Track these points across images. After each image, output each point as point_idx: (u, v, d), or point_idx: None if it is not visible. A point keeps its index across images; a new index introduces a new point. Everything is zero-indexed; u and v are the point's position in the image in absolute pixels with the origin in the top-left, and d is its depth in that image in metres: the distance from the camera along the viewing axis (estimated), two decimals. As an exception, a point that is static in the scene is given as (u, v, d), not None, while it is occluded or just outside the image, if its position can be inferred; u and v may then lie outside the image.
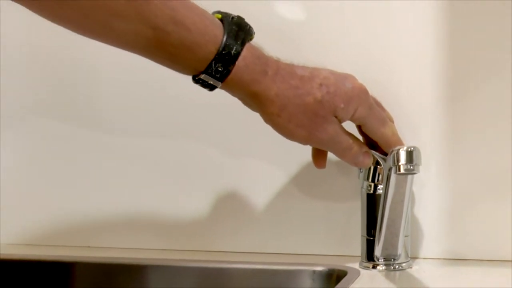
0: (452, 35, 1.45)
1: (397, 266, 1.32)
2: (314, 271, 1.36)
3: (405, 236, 1.31)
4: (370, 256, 1.32)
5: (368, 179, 1.32)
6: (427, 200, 1.40)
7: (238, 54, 1.28)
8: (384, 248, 1.30)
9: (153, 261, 1.48)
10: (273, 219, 1.48)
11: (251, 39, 1.31)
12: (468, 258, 1.38)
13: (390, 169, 1.24)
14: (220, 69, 1.28)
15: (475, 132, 1.41)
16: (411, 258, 1.34)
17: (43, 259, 1.51)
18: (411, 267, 1.33)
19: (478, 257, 1.38)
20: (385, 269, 1.31)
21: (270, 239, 1.48)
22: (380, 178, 1.31)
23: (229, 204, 1.51)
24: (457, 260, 1.39)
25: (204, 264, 1.47)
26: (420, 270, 1.34)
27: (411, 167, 1.23)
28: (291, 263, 1.41)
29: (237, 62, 1.28)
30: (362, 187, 1.34)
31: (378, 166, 1.31)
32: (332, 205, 1.44)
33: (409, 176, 1.24)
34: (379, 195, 1.29)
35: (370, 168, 1.32)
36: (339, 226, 1.44)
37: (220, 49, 1.26)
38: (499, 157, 1.41)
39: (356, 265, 1.34)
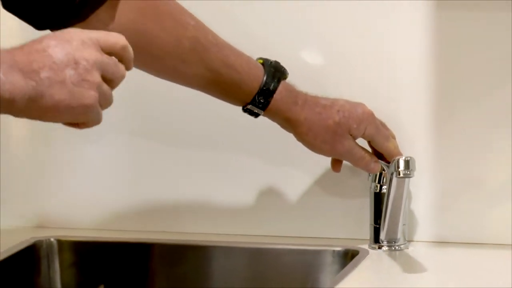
0: (440, 68, 1.51)
1: (397, 247, 1.41)
2: (334, 251, 1.46)
3: (403, 225, 1.41)
4: (376, 239, 1.42)
5: (375, 181, 1.43)
6: (420, 197, 1.49)
7: (275, 89, 1.39)
8: (387, 234, 1.40)
9: (213, 242, 1.56)
10: (301, 211, 1.55)
11: (285, 78, 1.43)
12: (451, 241, 1.47)
13: (392, 174, 1.35)
14: (262, 101, 1.40)
15: (457, 145, 1.48)
16: (407, 241, 1.44)
17: (129, 241, 1.58)
18: (407, 248, 1.43)
19: (459, 241, 1.46)
20: (388, 249, 1.42)
21: (300, 226, 1.55)
22: (384, 180, 1.41)
23: (269, 199, 1.59)
24: (442, 243, 1.48)
25: (251, 245, 1.55)
26: (414, 250, 1.43)
27: (408, 172, 1.34)
28: (317, 244, 1.50)
29: (274, 95, 1.40)
30: (370, 187, 1.44)
31: (383, 171, 1.41)
32: (348, 200, 1.52)
33: (406, 179, 1.34)
34: (384, 193, 1.39)
35: (379, 175, 1.45)
36: (352, 216, 1.51)
37: (262, 85, 1.39)
38: (475, 165, 1.48)
39: (365, 246, 1.43)
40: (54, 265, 1.53)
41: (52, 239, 1.53)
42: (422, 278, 1.36)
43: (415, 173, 1.35)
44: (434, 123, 1.49)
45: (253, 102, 1.39)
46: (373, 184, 1.42)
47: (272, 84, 1.39)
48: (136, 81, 1.48)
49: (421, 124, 1.49)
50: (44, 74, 0.95)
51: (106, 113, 1.59)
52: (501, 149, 1.47)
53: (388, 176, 1.37)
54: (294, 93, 1.42)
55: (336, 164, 1.44)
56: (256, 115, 1.40)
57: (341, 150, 1.41)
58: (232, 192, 1.60)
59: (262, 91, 1.39)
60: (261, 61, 1.43)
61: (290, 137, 1.44)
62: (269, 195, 1.59)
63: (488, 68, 1.49)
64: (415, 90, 1.51)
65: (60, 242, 1.54)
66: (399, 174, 1.33)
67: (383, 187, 1.40)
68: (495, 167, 1.47)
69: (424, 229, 1.49)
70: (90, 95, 0.97)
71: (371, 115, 1.41)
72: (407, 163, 1.33)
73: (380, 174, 1.41)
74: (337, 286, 1.27)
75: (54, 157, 1.67)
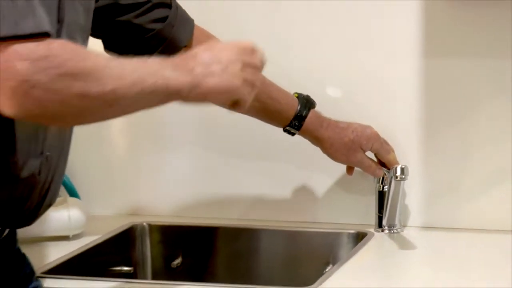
0: (427, 101, 1.60)
1: (395, 231, 1.56)
2: (349, 233, 1.60)
3: (399, 214, 1.56)
4: (380, 225, 1.56)
5: (379, 182, 1.57)
6: (412, 194, 1.61)
7: (306, 115, 1.55)
8: (387, 221, 1.54)
9: (260, 226, 1.68)
10: (325, 203, 1.68)
11: (314, 107, 1.57)
12: (434, 227, 1.60)
13: (391, 178, 1.52)
14: (296, 124, 1.53)
15: (440, 156, 1.60)
16: (402, 226, 1.59)
17: (199, 225, 1.70)
18: (403, 231, 1.57)
19: (441, 226, 1.60)
20: (388, 232, 1.56)
21: (324, 214, 1.67)
22: (385, 182, 1.55)
23: (301, 194, 1.70)
24: (428, 227, 1.61)
25: (288, 229, 1.68)
26: (408, 233, 1.58)
27: (403, 177, 1.51)
28: (336, 228, 1.63)
29: (305, 120, 1.53)
30: (375, 187, 1.58)
31: (385, 176, 1.55)
32: (359, 196, 1.65)
33: (402, 182, 1.50)
34: (385, 191, 1.55)
35: (383, 176, 1.57)
36: (362, 208, 1.64)
37: (296, 112, 1.54)
38: (454, 171, 1.59)
39: (372, 230, 1.57)
40: (146, 242, 1.65)
41: (144, 224, 1.66)
42: (413, 253, 1.52)
43: (408, 177, 1.52)
44: (422, 140, 1.62)
45: (290, 124, 1.54)
46: (377, 185, 1.57)
47: (304, 111, 1.54)
48: (204, 110, 1.59)
49: (413, 141, 1.62)
50: (197, 70, 1.08)
51: (178, 130, 1.72)
52: (474, 159, 1.58)
53: (388, 179, 1.52)
54: (320, 118, 1.56)
55: (350, 169, 1.59)
56: (292, 134, 1.54)
57: (354, 160, 1.57)
58: (274, 188, 1.71)
59: (297, 117, 1.54)
60: (296, 94, 1.56)
61: (317, 149, 1.59)
62: (301, 192, 1.71)
63: (463, 100, 1.59)
64: (408, 116, 1.63)
65: (150, 226, 1.67)
66: (397, 178, 1.49)
67: (384, 187, 1.55)
68: (470, 173, 1.58)
69: (415, 218, 1.62)
70: (234, 80, 1.10)
71: (376, 135, 1.56)
72: (402, 170, 1.49)
73: (383, 177, 1.55)
74: (351, 259, 1.42)
75: (145, 162, 1.77)
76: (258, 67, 1.15)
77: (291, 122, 1.54)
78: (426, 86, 1.61)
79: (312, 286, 1.27)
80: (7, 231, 1.19)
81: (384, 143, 1.58)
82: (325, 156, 1.59)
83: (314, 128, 1.56)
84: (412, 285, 1.36)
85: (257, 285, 1.46)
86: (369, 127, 1.57)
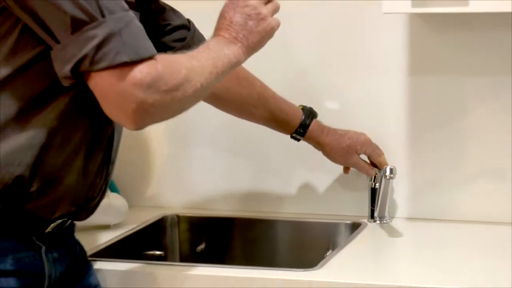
0: (412, 111, 1.63)
1: (384, 221, 1.59)
2: (346, 223, 1.63)
3: (388, 207, 1.57)
4: (372, 216, 1.60)
5: (371, 180, 1.60)
6: (399, 190, 1.64)
7: (309, 124, 1.58)
8: (378, 213, 1.57)
9: (271, 217, 1.71)
10: (326, 198, 1.70)
11: (316, 117, 1.60)
12: (417, 218, 1.63)
13: (382, 177, 1.54)
14: (301, 131, 1.59)
15: (424, 159, 1.63)
16: (391, 217, 1.62)
17: (219, 216, 1.73)
18: (391, 222, 1.60)
19: (423, 217, 1.63)
20: (379, 223, 1.59)
21: (325, 207, 1.69)
22: (377, 180, 1.59)
23: (306, 191, 1.72)
24: (412, 218, 1.64)
25: (294, 219, 1.71)
26: (396, 223, 1.61)
27: (392, 176, 1.53)
28: (335, 219, 1.65)
29: (309, 128, 1.58)
30: (368, 184, 1.61)
31: (376, 175, 1.59)
32: (354, 192, 1.68)
33: (391, 180, 1.53)
34: (377, 188, 1.58)
35: (375, 176, 1.60)
36: (357, 202, 1.66)
37: (301, 122, 1.58)
38: (435, 171, 1.62)
39: (365, 221, 1.60)
40: (175, 231, 1.68)
41: (173, 215, 1.69)
42: (400, 240, 1.55)
43: (396, 176, 1.55)
44: (408, 145, 1.65)
45: (296, 132, 1.58)
46: (370, 183, 1.60)
47: (308, 121, 1.57)
48: (229, 117, 1.65)
49: (400, 145, 1.65)
50: (240, 36, 1.16)
51: (203, 135, 1.76)
52: (452, 161, 1.60)
53: (379, 178, 1.55)
54: (321, 126, 1.59)
55: (347, 169, 1.63)
56: (298, 140, 1.59)
57: (351, 162, 1.61)
58: (283, 185, 1.74)
59: (301, 125, 1.57)
60: (301, 106, 1.59)
61: (319, 153, 1.63)
62: (306, 188, 1.73)
63: (443, 112, 1.61)
64: (396, 124, 1.65)
65: (178, 217, 1.70)
66: (386, 177, 1.52)
67: (376, 184, 1.58)
68: (448, 173, 1.61)
69: (401, 210, 1.65)
70: (269, 24, 1.18)
71: (369, 141, 1.60)
72: (391, 170, 1.53)
73: (374, 176, 1.59)
74: (348, 245, 1.46)
75: (174, 162, 1.78)
76: (278, 5, 1.21)
77: (296, 129, 1.57)
78: (411, 100, 1.64)
79: (315, 268, 1.31)
80: (69, 221, 1.22)
81: (375, 147, 1.61)
82: (325, 158, 1.63)
83: (316, 135, 1.59)
84: (399, 266, 1.43)
85: (268, 267, 1.43)
86: (363, 134, 1.61)
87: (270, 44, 1.30)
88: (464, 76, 1.60)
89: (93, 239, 1.51)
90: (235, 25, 1.16)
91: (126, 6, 1.07)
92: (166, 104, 1.07)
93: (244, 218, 1.71)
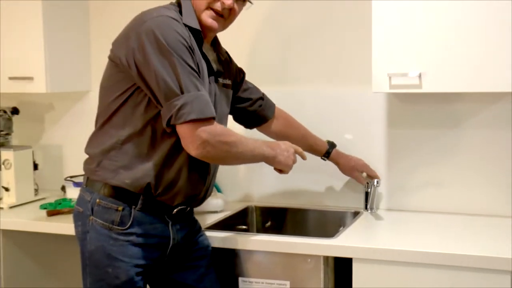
0: (389, 141, 1.61)
1: (373, 211, 1.61)
2: (350, 212, 1.64)
3: (375, 202, 1.60)
4: (366, 208, 1.61)
5: (366, 187, 1.61)
6: (384, 193, 1.65)
7: (331, 152, 1.57)
8: (370, 206, 1.60)
9: (303, 206, 1.68)
10: (339, 196, 1.69)
11: (335, 147, 1.56)
12: (395, 209, 1.63)
13: (372, 185, 1.58)
14: (326, 156, 1.57)
15: (401, 172, 1.61)
16: (377, 209, 1.62)
17: (277, 206, 1.73)
18: (377, 211, 1.61)
19: (398, 209, 1.63)
20: (370, 212, 1.60)
21: (337, 201, 1.68)
22: (369, 187, 1.60)
23: (327, 191, 1.68)
24: (390, 209, 1.64)
25: (317, 208, 1.68)
26: (380, 212, 1.61)
27: (378, 185, 1.58)
28: (344, 209, 1.65)
29: (331, 154, 1.57)
30: (364, 190, 1.61)
31: (368, 184, 1.60)
32: (356, 194, 1.66)
33: (377, 187, 1.58)
34: (369, 192, 1.60)
35: (366, 184, 1.59)
36: (357, 199, 1.65)
37: (327, 150, 1.56)
38: (408, 180, 1.61)
39: (362, 210, 1.61)
40: (253, 214, 1.71)
41: (253, 205, 1.72)
42: (383, 222, 1.55)
43: (381, 184, 1.59)
44: (387, 165, 1.64)
45: (323, 155, 1.57)
46: (365, 189, 1.62)
47: (331, 150, 1.57)
48: None
49: (382, 165, 1.64)
50: (277, 151, 1.23)
51: None
52: (416, 174, 1.60)
53: (371, 186, 1.59)
54: (339, 152, 1.58)
55: (352, 178, 1.58)
56: (324, 160, 1.57)
57: (354, 176, 1.61)
58: (313, 188, 1.69)
59: (327, 152, 1.57)
60: (327, 140, 1.57)
61: (336, 168, 1.59)
62: (327, 190, 1.71)
63: (411, 142, 1.61)
64: (379, 150, 1.63)
65: (255, 207, 1.73)
66: (374, 186, 1.58)
67: (369, 189, 1.60)
68: (413, 181, 1.61)
69: (383, 204, 1.65)
70: (288, 161, 1.25)
71: (365, 164, 1.60)
72: (377, 182, 1.59)
73: (367, 185, 1.61)
74: (352, 224, 1.48)
75: (253, 168, 1.66)
76: (296, 159, 1.26)
77: (324, 154, 1.58)
78: (389, 140, 1.64)
79: (333, 237, 1.35)
80: (188, 208, 1.28)
81: (369, 168, 1.61)
82: (339, 171, 1.62)
83: (335, 158, 1.58)
84: (383, 236, 1.47)
85: (305, 236, 1.45)
86: (361, 159, 1.60)
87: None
88: (414, 129, 1.60)
89: (208, 219, 1.56)
90: (279, 147, 1.24)
91: (199, 85, 1.11)
92: (218, 150, 1.13)
93: (292, 208, 1.71)
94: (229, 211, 1.63)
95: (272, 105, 1.51)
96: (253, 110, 1.47)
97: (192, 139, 1.10)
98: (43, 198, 1.81)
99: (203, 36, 1.20)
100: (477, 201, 1.53)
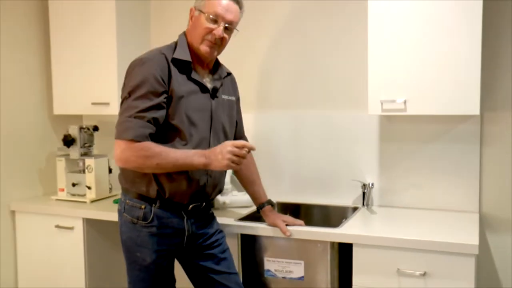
0: (382, 154, 1.58)
1: (370, 207, 1.61)
2: (351, 207, 1.64)
3: (371, 200, 1.60)
4: (363, 204, 1.61)
5: (363, 188, 1.60)
6: (376, 193, 1.64)
7: (264, 207, 1.33)
8: (366, 203, 1.59)
9: (311, 202, 1.65)
10: (343, 196, 1.67)
11: (272, 204, 1.35)
12: (385, 206, 1.63)
13: (367, 187, 1.58)
14: (261, 207, 1.33)
15: (391, 179, 1.60)
16: (372, 205, 1.62)
17: (292, 202, 1.72)
18: (372, 207, 1.61)
19: (388, 205, 1.63)
20: (367, 208, 1.60)
21: (341, 200, 1.64)
22: (366, 188, 1.60)
23: (333, 192, 1.66)
24: (382, 206, 1.63)
25: (322, 204, 1.66)
26: (374, 208, 1.60)
27: (372, 187, 1.59)
28: (346, 205, 1.65)
29: (264, 208, 1.32)
30: (361, 191, 1.60)
31: (365, 184, 1.59)
32: (355, 194, 1.66)
33: (372, 189, 1.58)
34: (365, 192, 1.60)
35: (364, 185, 1.57)
36: (358, 198, 1.65)
37: (263, 203, 1.34)
38: (397, 183, 1.59)
39: (360, 206, 1.61)
40: (276, 209, 1.53)
41: (275, 201, 1.50)
42: (376, 215, 1.51)
43: (374, 187, 1.59)
44: (380, 169, 1.62)
45: (259, 206, 1.37)
46: (362, 190, 1.62)
47: (266, 205, 1.37)
48: (301, 153, 1.53)
49: (375, 170, 1.62)
50: (210, 157, 1.05)
51: (281, 146, 1.55)
52: (401, 179, 1.59)
53: (367, 187, 1.60)
54: (272, 210, 1.36)
55: (276, 226, 1.27)
56: (258, 211, 1.35)
57: (276, 223, 1.30)
58: (321, 190, 1.68)
59: (261, 204, 1.37)
60: (268, 199, 1.36)
61: (343, 177, 1.57)
62: (333, 192, 1.68)
63: (398, 155, 1.58)
64: (373, 161, 1.62)
65: (277, 203, 1.67)
66: (370, 187, 1.59)
67: (365, 190, 1.61)
68: (399, 184, 1.60)
69: (376, 201, 1.65)
70: (223, 162, 1.05)
71: (288, 217, 1.34)
72: (372, 184, 1.59)
73: (364, 185, 1.60)
74: (353, 217, 1.47)
75: (269, 165, 1.65)
76: (243, 154, 1.06)
77: (259, 205, 1.38)
78: (381, 152, 1.63)
79: (338, 227, 1.35)
80: (204, 203, 1.21)
81: (290, 218, 1.35)
82: (344, 182, 1.59)
83: (266, 211, 1.37)
84: (377, 226, 1.43)
85: (315, 226, 1.39)
86: (286, 216, 1.37)
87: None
88: (400, 143, 1.59)
89: (240, 212, 1.56)
90: (212, 151, 1.07)
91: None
92: (138, 162, 1.06)
93: (304, 204, 1.71)
94: (254, 207, 1.56)
95: (243, 135, 1.41)
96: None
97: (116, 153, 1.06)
98: (115, 195, 1.85)
99: (200, 64, 1.15)
100: (450, 200, 1.54)
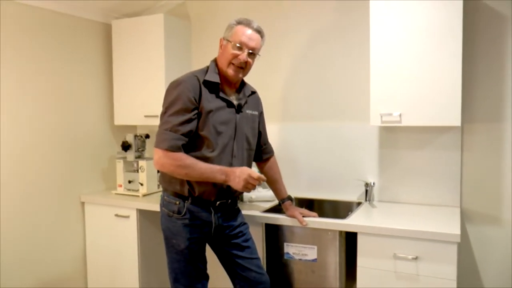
0: (381, 162, 1.58)
1: (371, 202, 1.61)
2: (356, 202, 1.65)
3: (372, 196, 1.60)
4: (366, 200, 1.62)
5: (365, 186, 1.62)
6: (376, 191, 1.65)
7: (284, 201, 1.36)
8: (368, 199, 1.60)
9: (321, 197, 1.66)
10: (349, 193, 1.67)
11: (291, 199, 1.37)
12: (384, 201, 1.65)
13: (370, 185, 1.58)
14: (282, 202, 1.36)
15: (385, 179, 1.60)
16: (373, 200, 1.62)
17: (307, 197, 1.69)
18: (373, 202, 1.62)
19: (387, 201, 1.64)
20: (368, 203, 1.60)
21: (347, 196, 1.65)
22: (368, 186, 1.61)
23: (341, 189, 1.66)
24: (381, 201, 1.65)
25: (331, 199, 1.67)
26: (375, 203, 1.60)
27: (373, 185, 1.58)
28: (352, 201, 1.65)
29: (285, 202, 1.34)
30: (364, 188, 1.61)
31: (368, 183, 1.61)
32: (359, 191, 1.67)
33: (373, 187, 1.58)
34: (368, 189, 1.61)
35: (366, 184, 1.58)
36: (360, 194, 1.67)
37: (283, 198, 1.37)
38: (391, 182, 1.59)
39: (363, 201, 1.61)
40: (293, 204, 1.50)
41: (293, 197, 1.53)
42: (377, 209, 1.53)
43: (375, 185, 1.59)
44: (380, 171, 1.64)
45: (280, 201, 1.39)
46: (365, 187, 1.63)
47: (286, 200, 1.39)
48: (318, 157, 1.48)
49: (375, 171, 1.64)
50: (230, 177, 1.06)
51: (307, 167, 1.53)
52: (396, 180, 1.59)
53: (369, 185, 1.61)
54: (290, 204, 1.39)
55: (294, 217, 1.24)
56: (279, 205, 1.37)
57: (294, 215, 1.32)
58: (331, 187, 1.68)
59: (282, 200, 1.40)
60: (288, 195, 1.39)
61: (350, 177, 1.56)
62: (341, 189, 1.69)
63: (392, 160, 1.60)
64: (372, 166, 1.62)
65: (295, 198, 1.63)
66: (371, 185, 1.60)
67: (368, 188, 1.62)
68: (395, 184, 1.59)
69: (376, 197, 1.66)
70: (239, 185, 1.07)
71: (303, 210, 1.35)
72: (374, 183, 1.60)
73: (367, 184, 1.62)
74: (357, 211, 1.48)
75: (298, 175, 1.67)
76: (252, 184, 1.08)
77: (280, 200, 1.41)
78: (380, 157, 1.64)
79: (345, 219, 1.37)
80: (230, 200, 1.22)
81: (305, 210, 1.36)
82: (352, 180, 1.59)
83: (286, 205, 1.42)
84: (378, 218, 1.42)
85: (327, 217, 1.42)
86: (302, 209, 1.39)
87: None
88: (396, 150, 1.61)
89: (264, 205, 1.59)
90: (232, 172, 1.08)
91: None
92: (172, 169, 1.07)
93: (317, 199, 1.73)
94: (276, 201, 1.62)
95: (269, 152, 1.41)
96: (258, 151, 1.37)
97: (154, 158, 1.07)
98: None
99: (228, 84, 1.17)
100: (437, 196, 1.56)
